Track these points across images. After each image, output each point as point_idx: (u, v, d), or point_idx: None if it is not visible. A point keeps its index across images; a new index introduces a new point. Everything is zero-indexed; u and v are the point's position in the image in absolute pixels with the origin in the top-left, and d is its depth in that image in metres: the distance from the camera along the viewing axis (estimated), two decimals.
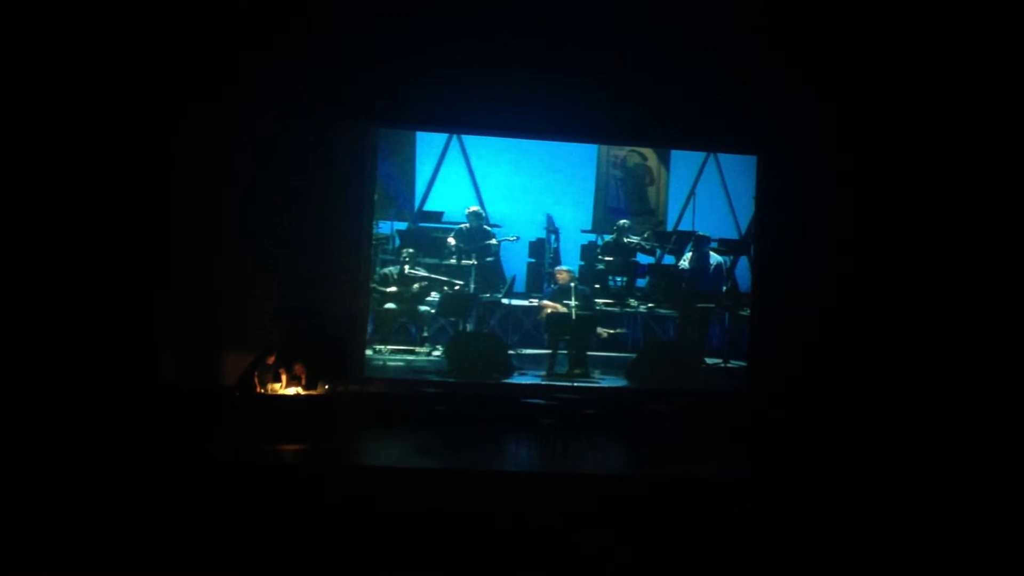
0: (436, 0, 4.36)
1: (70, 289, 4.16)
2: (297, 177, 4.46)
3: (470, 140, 4.89)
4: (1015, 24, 4.15)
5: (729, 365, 4.78)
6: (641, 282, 5.04)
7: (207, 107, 4.40)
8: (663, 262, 5.04)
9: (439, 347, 4.77)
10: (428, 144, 4.95)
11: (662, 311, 4.85)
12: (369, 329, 4.63)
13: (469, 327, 4.84)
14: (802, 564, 3.32)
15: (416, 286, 4.81)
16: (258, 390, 3.87)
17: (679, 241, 4.94)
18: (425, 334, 4.85)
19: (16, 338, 3.97)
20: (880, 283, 4.56)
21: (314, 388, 3.96)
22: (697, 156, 5.02)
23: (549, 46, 4.48)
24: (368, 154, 4.57)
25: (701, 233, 4.84)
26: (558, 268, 4.95)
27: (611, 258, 4.95)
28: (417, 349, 4.79)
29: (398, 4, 4.37)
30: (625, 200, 5.17)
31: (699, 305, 4.75)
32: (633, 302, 4.93)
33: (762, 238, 4.70)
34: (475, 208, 4.93)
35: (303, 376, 3.96)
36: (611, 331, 4.78)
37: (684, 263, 4.83)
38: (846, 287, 4.58)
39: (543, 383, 4.56)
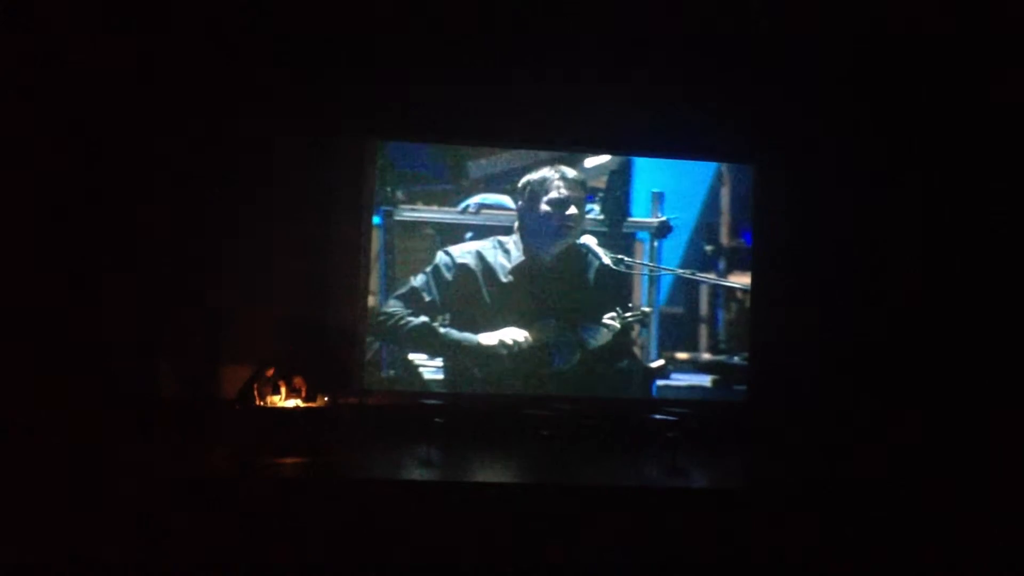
0: (437, 14, 4.36)
1: (68, 300, 4.16)
2: (296, 189, 4.46)
3: None
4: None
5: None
6: None
7: (205, 115, 4.40)
8: None
9: None
10: None
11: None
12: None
13: None
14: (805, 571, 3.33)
15: None
16: (257, 403, 3.87)
17: None
18: None
19: (15, 349, 3.97)
20: (879, 288, 4.58)
21: (314, 400, 3.95)
22: None
23: (549, 58, 4.51)
24: (368, 165, 4.56)
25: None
26: None
27: None
28: None
29: (397, 17, 4.40)
30: None
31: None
32: None
33: (759, 247, 4.70)
34: None
35: (303, 388, 3.95)
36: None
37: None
38: (844, 294, 4.60)
39: (542, 394, 4.54)
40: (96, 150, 4.25)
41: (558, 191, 4.53)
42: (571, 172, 4.58)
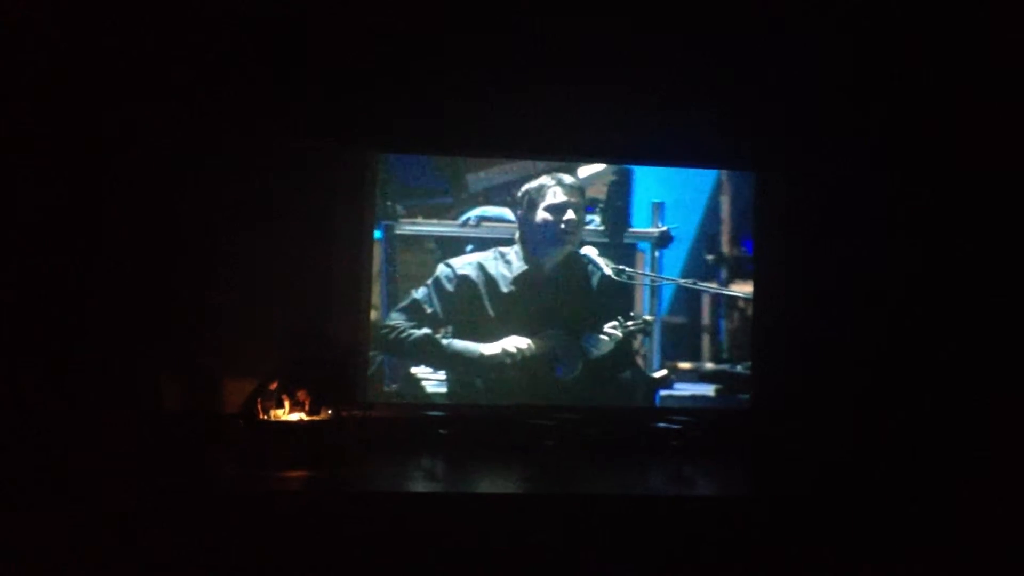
0: (435, 27, 4.39)
1: (70, 314, 4.17)
2: (298, 202, 4.48)
3: None
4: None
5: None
6: None
7: (205, 132, 4.43)
8: None
9: None
10: None
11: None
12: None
13: None
14: None
15: None
16: (261, 416, 3.88)
17: None
18: None
19: (17, 366, 3.98)
20: (882, 295, 4.58)
21: (317, 414, 3.96)
22: None
23: (548, 69, 4.51)
24: (368, 177, 4.58)
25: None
26: None
27: None
28: None
29: (396, 30, 4.43)
30: None
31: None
32: None
33: (761, 255, 4.71)
34: None
35: (306, 402, 3.97)
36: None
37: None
38: (847, 301, 4.60)
39: (546, 404, 4.54)
40: (98, 162, 4.27)
41: (555, 196, 4.55)
42: (568, 179, 4.61)
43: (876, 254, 4.59)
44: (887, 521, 3.42)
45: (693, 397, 4.66)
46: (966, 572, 3.29)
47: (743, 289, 4.71)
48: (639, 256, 4.69)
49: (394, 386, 4.55)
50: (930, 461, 4.03)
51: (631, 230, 4.69)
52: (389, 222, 4.59)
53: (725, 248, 4.74)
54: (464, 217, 4.62)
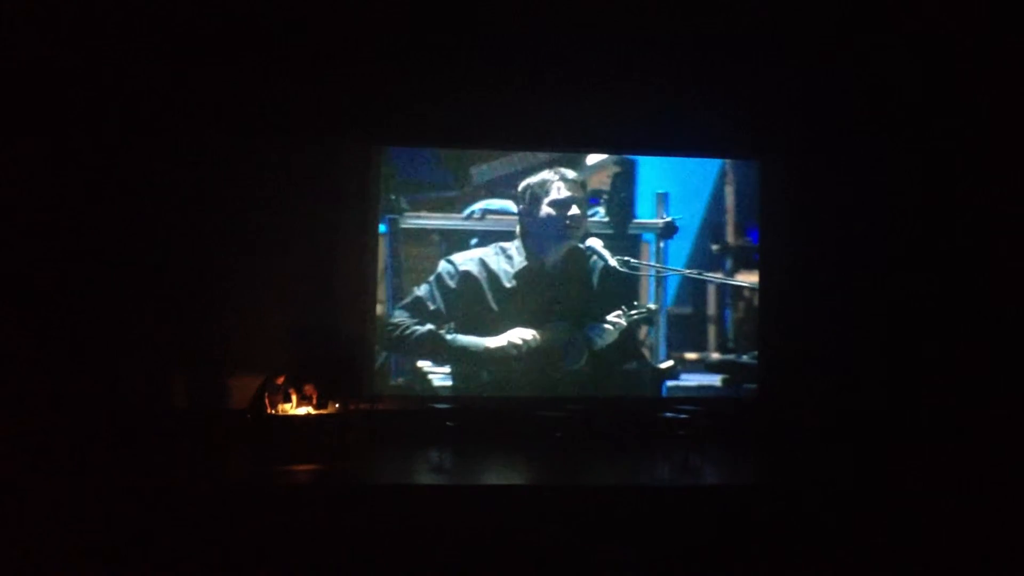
0: (437, 19, 4.39)
1: (81, 312, 4.16)
2: (302, 196, 4.47)
3: None
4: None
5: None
6: None
7: (209, 128, 4.42)
8: None
9: None
10: None
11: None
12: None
13: None
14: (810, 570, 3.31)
15: None
16: (269, 411, 3.85)
17: None
18: None
19: (24, 366, 3.96)
20: (888, 283, 4.59)
21: (325, 407, 3.94)
22: None
23: (551, 59, 4.53)
24: (372, 171, 4.57)
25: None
26: None
27: None
28: None
29: (398, 24, 4.43)
30: None
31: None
32: None
33: (765, 244, 4.71)
34: None
35: (314, 396, 3.96)
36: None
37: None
38: (853, 289, 4.60)
39: (553, 395, 4.52)
40: (99, 162, 4.27)
41: (558, 192, 4.55)
42: (571, 173, 4.60)
43: (883, 240, 4.60)
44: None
45: (700, 387, 4.65)
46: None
47: (749, 279, 4.71)
48: (644, 247, 4.68)
49: (401, 379, 4.52)
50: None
51: (636, 221, 4.69)
52: (394, 216, 4.58)
53: (730, 238, 4.73)
54: (469, 210, 4.61)
